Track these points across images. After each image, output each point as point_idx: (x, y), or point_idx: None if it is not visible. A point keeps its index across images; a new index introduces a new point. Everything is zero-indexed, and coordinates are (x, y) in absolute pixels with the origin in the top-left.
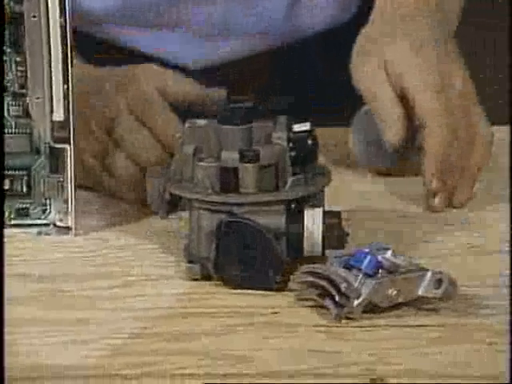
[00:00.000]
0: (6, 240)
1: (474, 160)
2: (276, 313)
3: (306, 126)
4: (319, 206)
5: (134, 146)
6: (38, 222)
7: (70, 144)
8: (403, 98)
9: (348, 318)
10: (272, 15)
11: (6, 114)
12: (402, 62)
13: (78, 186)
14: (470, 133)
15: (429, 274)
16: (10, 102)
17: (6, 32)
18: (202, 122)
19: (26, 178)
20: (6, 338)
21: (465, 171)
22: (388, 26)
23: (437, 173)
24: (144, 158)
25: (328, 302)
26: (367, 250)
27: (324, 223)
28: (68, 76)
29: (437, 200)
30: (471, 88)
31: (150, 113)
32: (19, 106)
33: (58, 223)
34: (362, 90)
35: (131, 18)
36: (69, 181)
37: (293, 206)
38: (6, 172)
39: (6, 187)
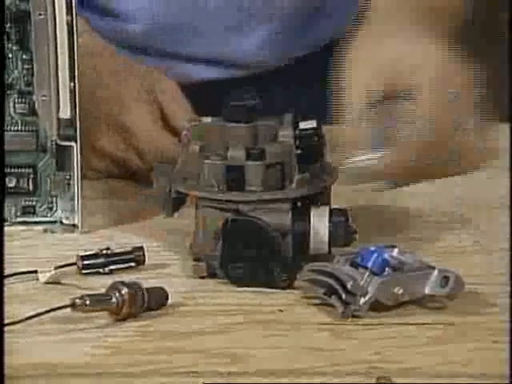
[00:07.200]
0: (12, 238)
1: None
2: (282, 311)
3: (312, 124)
4: (326, 204)
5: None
6: (44, 219)
7: (76, 142)
8: None
9: (354, 316)
10: None
11: (12, 111)
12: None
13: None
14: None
15: (435, 272)
16: (17, 100)
17: (12, 30)
18: (208, 119)
19: (32, 175)
20: (6, 335)
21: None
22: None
23: None
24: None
25: (334, 300)
26: (374, 248)
27: (330, 221)
28: (74, 74)
29: None
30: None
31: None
32: (25, 103)
33: (65, 221)
34: None
35: None
36: (75, 179)
37: (299, 203)
38: (12, 170)
39: (12, 185)
